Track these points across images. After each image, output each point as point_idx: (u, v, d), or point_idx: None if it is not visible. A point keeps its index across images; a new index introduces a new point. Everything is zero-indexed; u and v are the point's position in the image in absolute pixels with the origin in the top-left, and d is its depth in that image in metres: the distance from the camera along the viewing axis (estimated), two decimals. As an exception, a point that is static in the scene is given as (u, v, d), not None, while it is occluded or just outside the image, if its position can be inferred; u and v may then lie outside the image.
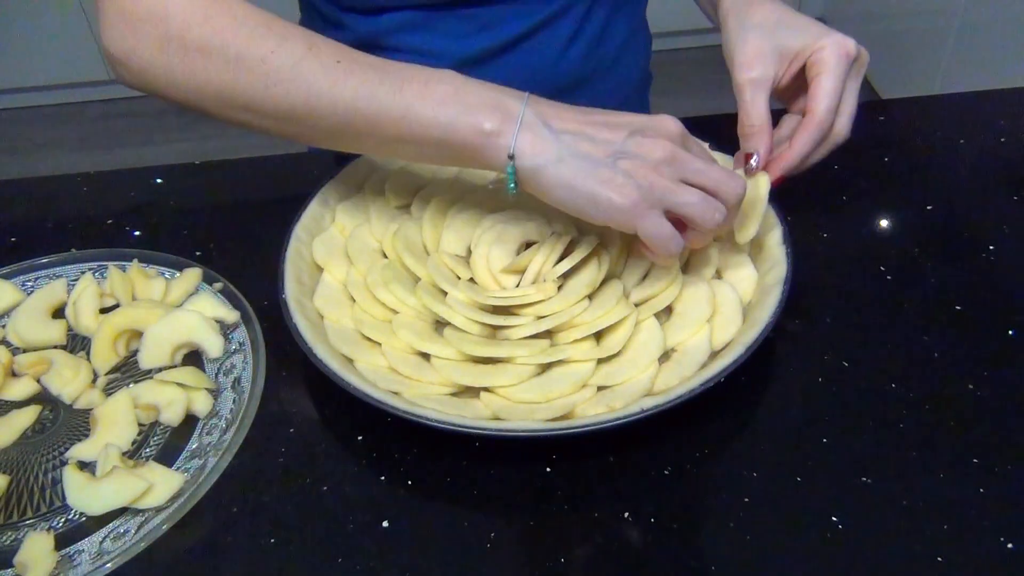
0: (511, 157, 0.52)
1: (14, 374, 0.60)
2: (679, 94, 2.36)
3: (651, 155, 0.52)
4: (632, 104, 0.90)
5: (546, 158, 0.52)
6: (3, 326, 0.64)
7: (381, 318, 0.60)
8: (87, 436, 0.56)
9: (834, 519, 0.50)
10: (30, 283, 0.67)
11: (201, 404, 0.56)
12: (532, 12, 0.77)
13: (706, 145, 0.60)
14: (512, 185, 0.53)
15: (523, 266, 0.60)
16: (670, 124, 0.54)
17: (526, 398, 0.54)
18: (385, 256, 0.64)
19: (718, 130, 0.70)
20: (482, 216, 0.65)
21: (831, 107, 0.60)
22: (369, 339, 0.58)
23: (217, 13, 0.55)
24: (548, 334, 0.58)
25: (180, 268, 0.66)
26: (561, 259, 0.59)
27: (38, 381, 0.60)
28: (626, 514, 0.51)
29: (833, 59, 0.60)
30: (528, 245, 0.63)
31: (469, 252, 0.64)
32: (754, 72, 0.61)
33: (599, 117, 0.54)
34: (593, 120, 0.54)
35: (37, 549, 0.49)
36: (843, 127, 0.62)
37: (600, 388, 0.54)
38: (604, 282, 0.59)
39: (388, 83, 0.53)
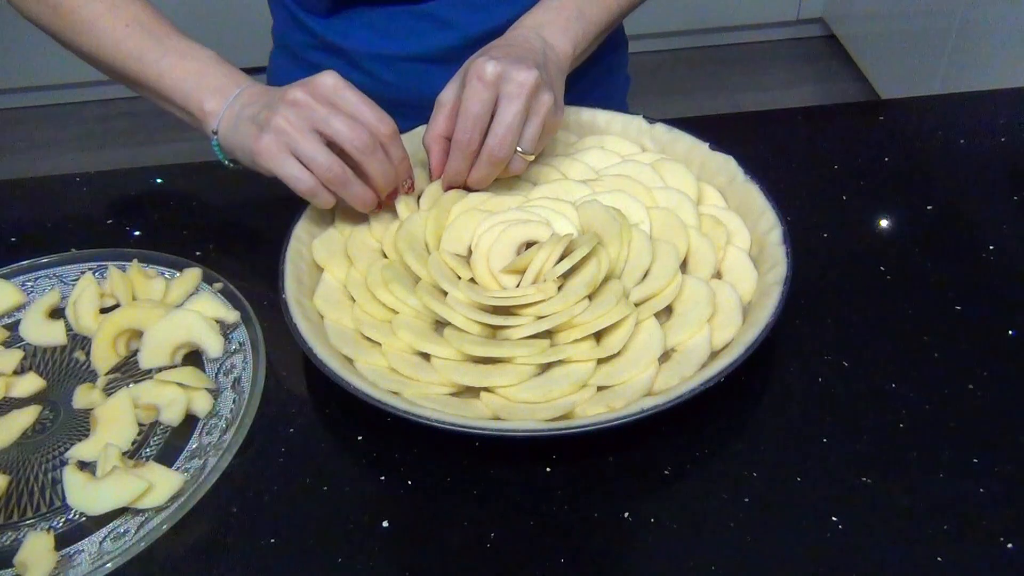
0: (215, 132, 0.65)
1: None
2: (675, 95, 2.37)
3: (280, 106, 0.59)
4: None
5: (226, 127, 0.64)
6: (5, 326, 0.64)
7: (381, 318, 0.60)
8: (87, 436, 0.56)
9: (834, 519, 0.50)
10: (30, 283, 0.67)
11: (201, 404, 0.56)
12: (492, 14, 0.77)
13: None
14: (221, 156, 0.67)
15: (523, 266, 0.60)
16: (324, 78, 0.60)
17: (526, 398, 0.54)
18: (385, 256, 0.64)
19: (716, 130, 0.70)
20: (483, 216, 0.65)
21: (465, 127, 0.62)
22: (369, 339, 0.58)
23: None
24: (548, 334, 0.58)
25: (180, 268, 0.66)
26: (561, 259, 0.59)
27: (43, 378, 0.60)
28: (626, 514, 0.51)
29: (467, 81, 0.62)
30: (528, 245, 0.63)
31: (470, 252, 0.64)
32: (443, 92, 0.65)
33: (282, 91, 0.61)
34: (272, 92, 0.62)
35: (37, 549, 0.49)
36: (488, 145, 0.62)
37: (600, 388, 0.54)
38: (604, 282, 0.59)
39: (156, 51, 0.67)
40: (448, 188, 0.67)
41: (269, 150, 0.59)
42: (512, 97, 0.61)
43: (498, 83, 0.61)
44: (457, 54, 0.79)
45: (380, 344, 0.57)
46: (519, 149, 0.63)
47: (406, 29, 0.79)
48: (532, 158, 0.65)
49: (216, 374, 0.59)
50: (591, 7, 0.72)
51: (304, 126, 0.59)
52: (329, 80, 0.60)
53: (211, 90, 0.65)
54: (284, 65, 0.87)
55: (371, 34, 0.79)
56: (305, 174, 0.59)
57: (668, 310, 0.59)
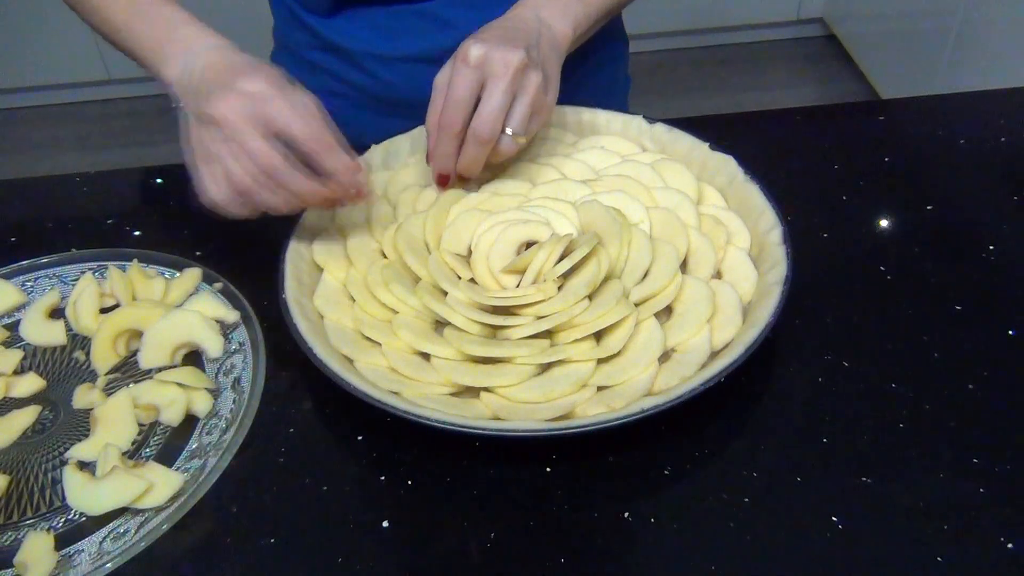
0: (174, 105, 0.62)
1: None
2: (675, 95, 2.37)
3: (204, 115, 0.57)
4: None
5: (184, 106, 0.61)
6: (5, 326, 0.64)
7: (381, 318, 0.60)
8: (87, 436, 0.56)
9: (834, 519, 0.50)
10: (30, 283, 0.67)
11: (201, 404, 0.56)
12: (493, 12, 0.77)
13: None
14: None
15: (523, 266, 0.60)
16: (244, 83, 0.56)
17: (526, 398, 0.54)
18: (385, 256, 0.64)
19: (716, 130, 0.70)
20: (483, 216, 0.65)
21: (449, 107, 0.61)
22: (369, 339, 0.58)
23: None
24: (548, 334, 0.58)
25: (180, 268, 0.66)
26: (561, 259, 0.59)
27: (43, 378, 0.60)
28: (626, 514, 0.50)
29: (453, 62, 0.62)
30: (529, 245, 0.63)
31: (470, 252, 0.64)
32: (438, 76, 0.64)
33: (216, 75, 0.58)
34: (211, 78, 0.58)
35: (37, 549, 0.49)
36: (473, 126, 0.62)
37: (600, 388, 0.54)
38: (604, 282, 0.59)
39: (134, 24, 0.65)
40: (438, 175, 0.66)
41: (187, 160, 0.60)
42: (497, 77, 0.60)
43: (483, 65, 0.60)
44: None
45: (380, 344, 0.57)
46: (508, 131, 0.62)
47: (407, 29, 0.79)
48: (524, 140, 0.64)
49: (216, 374, 0.59)
50: None
51: (218, 138, 0.57)
52: (250, 89, 0.57)
53: (171, 59, 0.63)
54: (285, 65, 0.87)
55: (372, 34, 0.79)
56: (218, 184, 0.58)
57: (668, 310, 0.59)
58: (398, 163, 0.72)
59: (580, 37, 0.71)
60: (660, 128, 0.71)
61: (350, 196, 0.61)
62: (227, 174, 0.57)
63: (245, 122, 0.56)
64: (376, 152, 0.72)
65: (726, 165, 0.67)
